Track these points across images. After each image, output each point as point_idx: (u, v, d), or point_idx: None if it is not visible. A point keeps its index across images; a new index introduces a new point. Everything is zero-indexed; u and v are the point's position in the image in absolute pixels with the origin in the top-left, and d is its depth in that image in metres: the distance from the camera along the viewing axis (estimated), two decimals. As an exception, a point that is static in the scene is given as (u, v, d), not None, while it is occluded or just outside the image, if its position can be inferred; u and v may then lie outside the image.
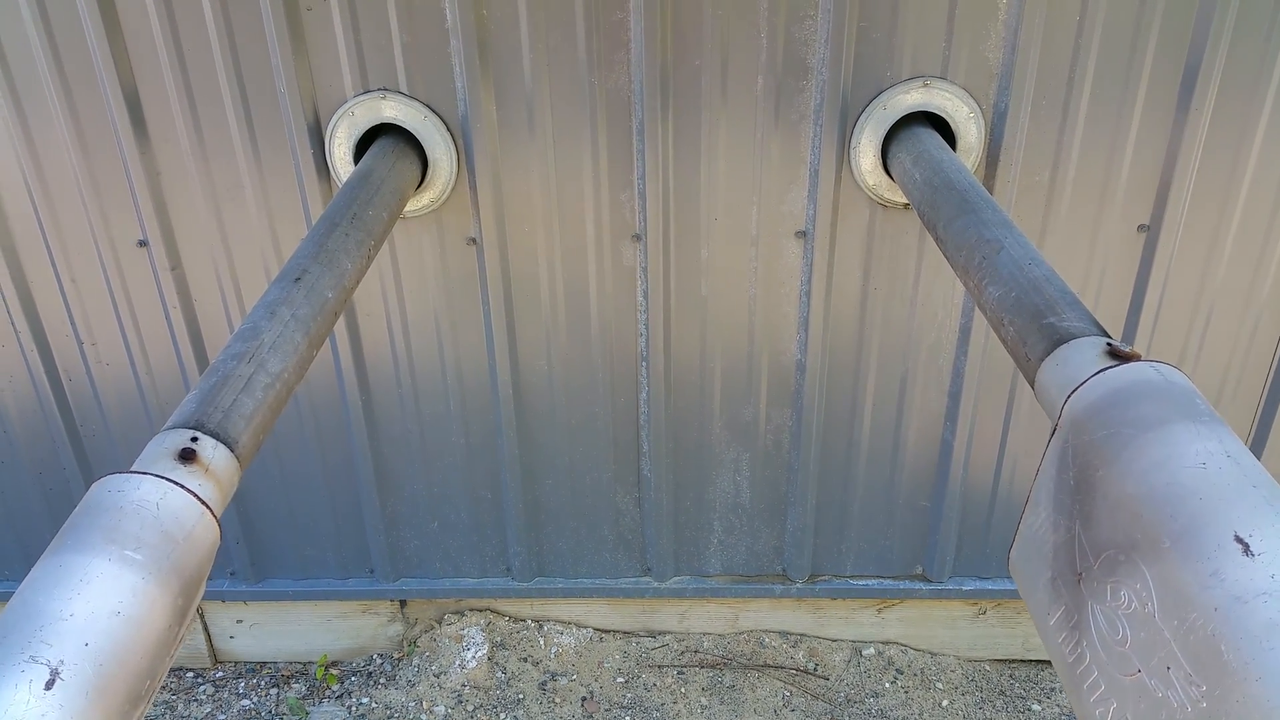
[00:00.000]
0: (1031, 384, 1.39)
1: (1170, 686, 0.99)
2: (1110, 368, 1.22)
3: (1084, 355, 1.28)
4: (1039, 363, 1.36)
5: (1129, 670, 1.06)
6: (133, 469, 1.22)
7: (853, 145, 2.13)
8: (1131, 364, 1.21)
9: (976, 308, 2.29)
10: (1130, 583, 1.07)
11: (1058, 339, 1.35)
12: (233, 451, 1.35)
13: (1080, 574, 1.17)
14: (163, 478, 1.20)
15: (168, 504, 1.18)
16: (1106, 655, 1.11)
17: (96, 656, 1.02)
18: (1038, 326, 1.40)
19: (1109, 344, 1.29)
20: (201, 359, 2.36)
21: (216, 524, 1.25)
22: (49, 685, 0.97)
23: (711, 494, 2.62)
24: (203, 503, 1.22)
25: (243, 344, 1.50)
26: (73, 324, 2.33)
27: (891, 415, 2.48)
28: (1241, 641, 0.90)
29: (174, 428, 1.32)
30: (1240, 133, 2.12)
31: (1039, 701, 2.75)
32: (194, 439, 1.31)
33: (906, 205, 2.21)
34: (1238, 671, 0.89)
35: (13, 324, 2.32)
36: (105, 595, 1.06)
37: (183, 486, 1.21)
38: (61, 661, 0.99)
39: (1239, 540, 0.96)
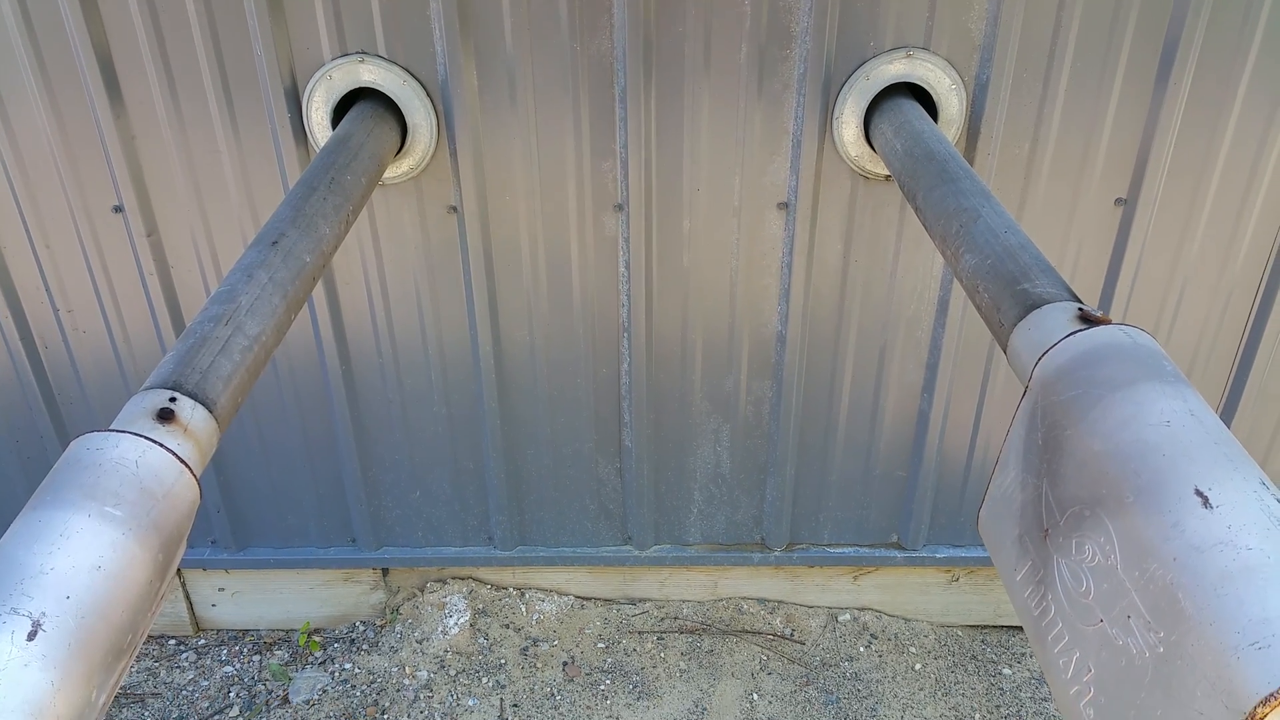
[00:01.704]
0: (1004, 349, 1.41)
1: (1130, 634, 1.01)
2: (1080, 331, 1.24)
3: (1055, 320, 1.30)
4: (1012, 328, 1.38)
5: (1092, 621, 1.09)
6: (111, 428, 1.23)
7: (835, 116, 2.14)
8: (1101, 327, 1.23)
9: (954, 279, 2.31)
10: (1095, 537, 1.09)
11: (1030, 304, 1.37)
12: (211, 412, 1.35)
13: (1047, 530, 1.20)
14: (141, 436, 1.21)
15: (147, 462, 1.19)
16: (1071, 607, 1.13)
17: (78, 609, 1.03)
18: (1011, 293, 1.42)
19: (1080, 309, 1.31)
20: (178, 325, 2.35)
21: (196, 483, 1.26)
22: (31, 636, 0.98)
23: (692, 464, 2.64)
24: (182, 461, 1.23)
25: (220, 306, 1.49)
26: (48, 290, 2.32)
27: (870, 386, 2.51)
28: (1198, 589, 0.93)
29: (152, 388, 1.32)
30: (1216, 110, 2.14)
31: (1010, 666, 2.80)
32: (172, 399, 1.31)
33: (888, 177, 2.22)
34: (1193, 617, 0.92)
35: (-11, 289, 2.31)
36: (85, 550, 1.07)
37: (162, 445, 1.22)
38: (43, 614, 1.00)
39: (1199, 494, 0.99)
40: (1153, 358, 1.17)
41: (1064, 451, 1.18)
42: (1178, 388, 1.12)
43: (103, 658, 1.06)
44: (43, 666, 0.97)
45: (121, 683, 1.14)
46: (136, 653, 1.16)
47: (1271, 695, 0.83)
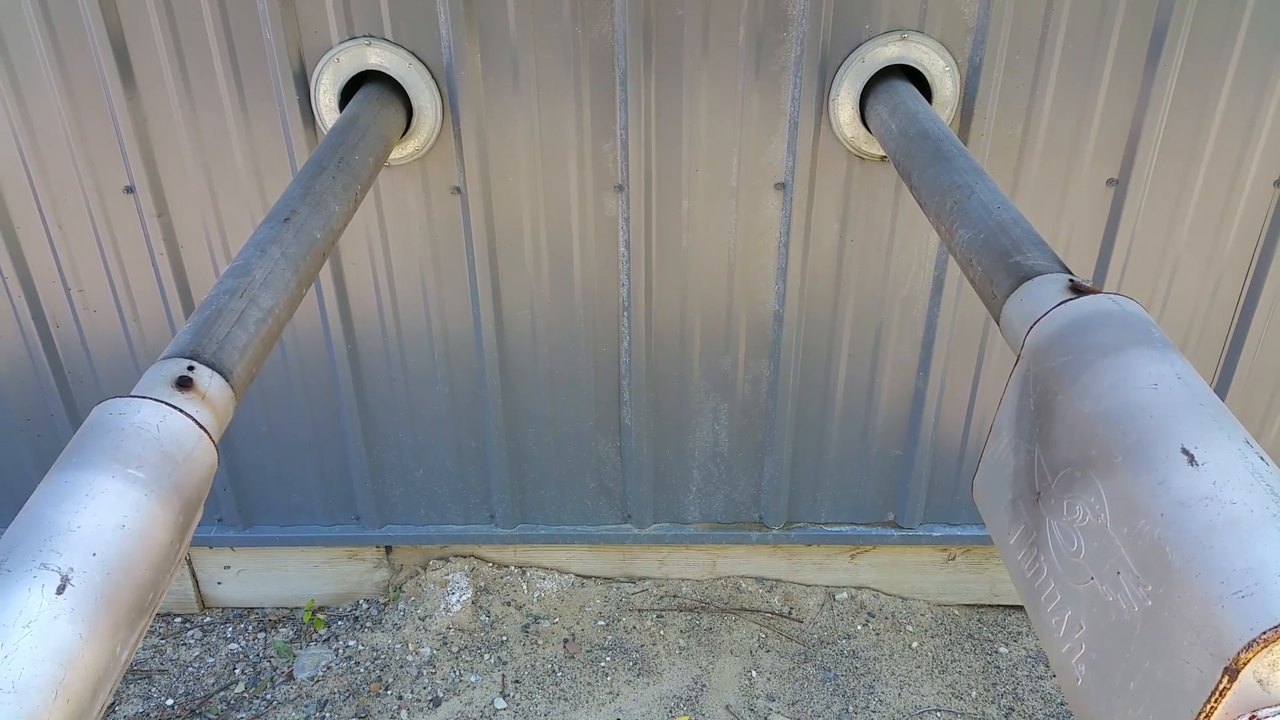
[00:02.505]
0: (997, 320, 1.45)
1: (1119, 590, 1.06)
2: (1070, 300, 1.28)
3: (1047, 290, 1.34)
4: (1004, 299, 1.42)
5: (1083, 579, 1.13)
6: (132, 394, 1.26)
7: (831, 97, 2.17)
8: (1091, 296, 1.27)
9: (949, 258, 2.35)
10: (1085, 497, 1.13)
11: (1023, 276, 1.41)
12: (228, 381, 1.39)
13: (1039, 493, 1.24)
14: (162, 402, 1.25)
15: (167, 426, 1.23)
16: (1062, 567, 1.18)
17: (104, 566, 1.07)
18: (1004, 265, 1.46)
19: (1071, 280, 1.35)
20: (188, 305, 2.38)
21: (214, 448, 1.30)
22: (60, 590, 1.02)
23: (691, 443, 2.68)
24: (200, 426, 1.27)
25: (235, 279, 1.53)
26: (60, 270, 2.35)
27: (866, 366, 2.55)
28: (1184, 542, 0.97)
29: (171, 357, 1.36)
30: (1206, 91, 2.18)
31: (1006, 645, 2.85)
32: (190, 368, 1.35)
33: (883, 158, 2.26)
34: (1180, 570, 0.96)
35: (-1, 270, 2.34)
36: (110, 509, 1.11)
37: (181, 411, 1.25)
38: (71, 569, 1.04)
39: (1185, 452, 1.03)
40: (1141, 324, 1.21)
41: (1055, 416, 1.22)
42: (1165, 353, 1.16)
43: (126, 613, 1.09)
44: (71, 619, 1.00)
45: (141, 642, 1.17)
46: (155, 612, 1.20)
47: (1255, 641, 0.87)
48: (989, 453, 1.40)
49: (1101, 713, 1.08)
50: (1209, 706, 0.91)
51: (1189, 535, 0.97)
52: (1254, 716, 0.91)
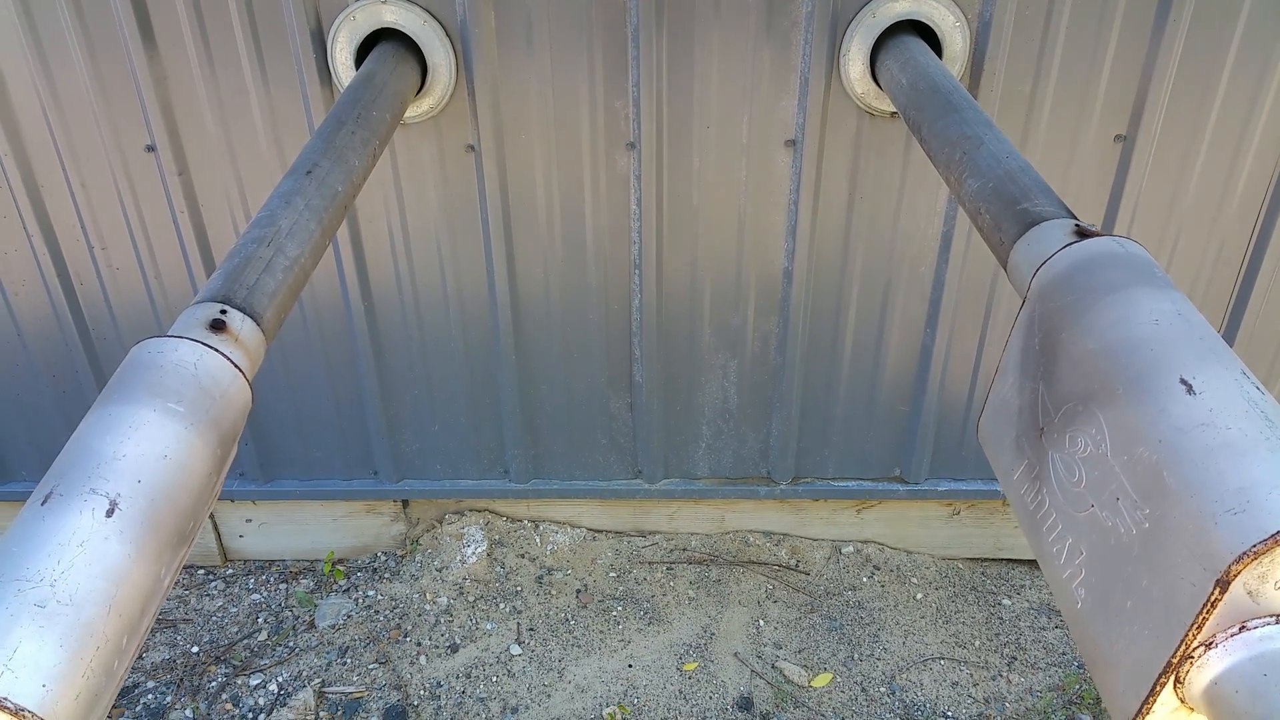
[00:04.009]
0: (1005, 265, 1.49)
1: (1118, 515, 1.10)
2: (1076, 242, 1.32)
3: (1053, 234, 1.38)
4: (1012, 244, 1.46)
5: (1083, 507, 1.18)
6: (169, 334, 1.32)
7: (842, 53, 2.20)
8: (1096, 238, 1.31)
9: (957, 213, 2.38)
10: (1087, 429, 1.18)
11: (1030, 222, 1.45)
12: (258, 325, 1.44)
13: (1042, 429, 1.29)
14: (198, 341, 1.30)
15: (204, 365, 1.28)
16: (1064, 497, 1.22)
17: (149, 492, 1.12)
18: (1012, 212, 1.50)
19: (1076, 224, 1.39)
20: (208, 262, 2.43)
21: (249, 386, 1.35)
22: (109, 513, 1.07)
23: (700, 399, 2.73)
24: (235, 366, 1.32)
25: (261, 229, 1.57)
26: (84, 228, 2.40)
27: (874, 322, 2.59)
28: (1181, 466, 1.01)
29: (203, 301, 1.41)
30: (1214, 48, 2.20)
31: (1009, 597, 2.91)
32: (223, 311, 1.40)
33: (893, 114, 2.29)
34: (1176, 492, 1.01)
35: (25, 228, 2.38)
36: (153, 440, 1.16)
37: (217, 350, 1.31)
38: (119, 494, 1.09)
39: (1184, 382, 1.07)
40: (1144, 265, 1.25)
41: (1059, 353, 1.26)
42: (1166, 291, 1.20)
43: (169, 538, 1.14)
44: (120, 540, 1.06)
45: (180, 571, 1.23)
46: (194, 542, 1.25)
47: (1245, 553, 0.91)
48: (994, 393, 1.45)
49: (1101, 633, 1.13)
50: (1201, 617, 0.96)
51: (1186, 459, 1.01)
52: (1244, 626, 0.96)
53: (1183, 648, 0.98)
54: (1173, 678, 1.01)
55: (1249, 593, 0.94)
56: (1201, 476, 0.99)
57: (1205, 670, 0.98)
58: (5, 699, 0.88)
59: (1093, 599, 1.16)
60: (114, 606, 1.03)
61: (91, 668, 0.98)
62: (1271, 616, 0.95)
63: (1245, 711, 0.94)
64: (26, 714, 0.89)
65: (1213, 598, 0.94)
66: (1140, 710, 1.04)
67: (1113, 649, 1.10)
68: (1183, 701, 1.03)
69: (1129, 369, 1.13)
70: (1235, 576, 0.92)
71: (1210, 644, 0.97)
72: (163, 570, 1.14)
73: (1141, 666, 1.04)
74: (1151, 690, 1.02)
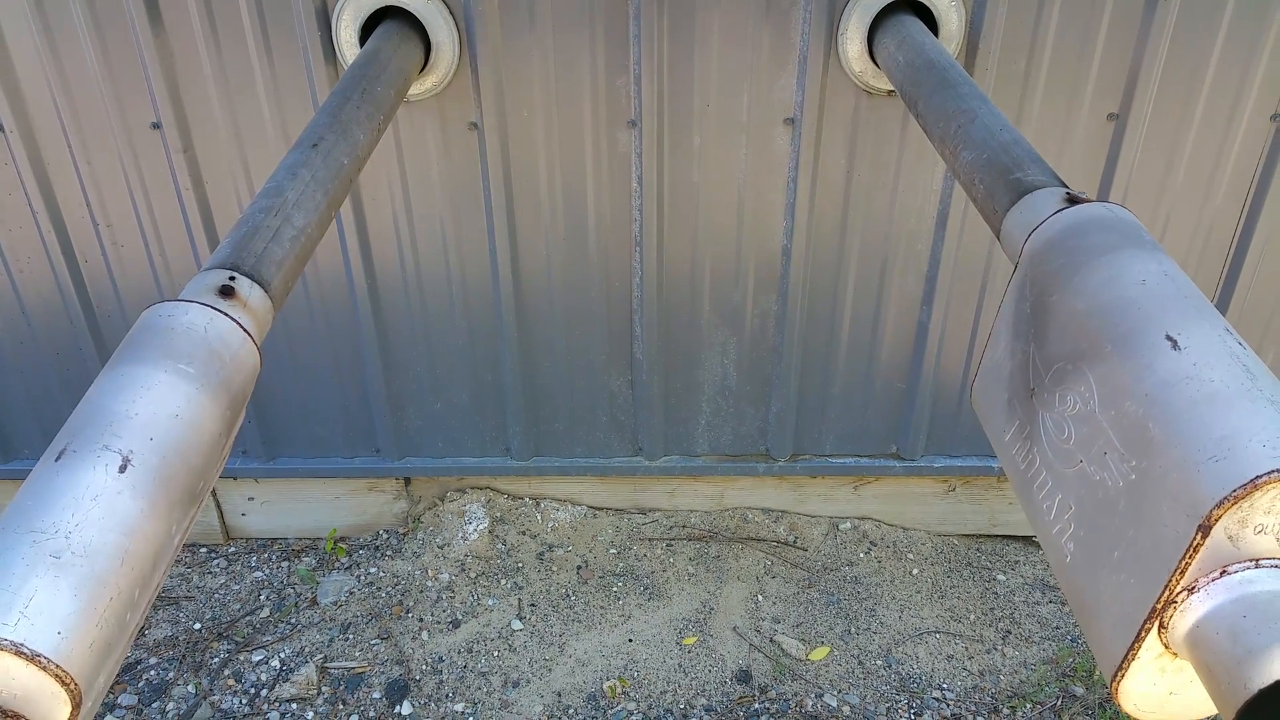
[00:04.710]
0: (998, 234, 1.52)
1: (1106, 469, 1.14)
2: (1066, 208, 1.35)
3: (1044, 201, 1.41)
4: (1005, 213, 1.49)
5: (1072, 464, 1.21)
6: (179, 298, 1.34)
7: (840, 32, 2.22)
8: (1085, 204, 1.34)
9: (952, 190, 2.41)
10: (1076, 387, 1.21)
11: (1022, 190, 1.48)
12: (266, 292, 1.47)
13: (1033, 389, 1.32)
14: (208, 305, 1.33)
15: (214, 328, 1.30)
16: (1054, 455, 1.26)
17: (161, 449, 1.14)
18: (1005, 182, 1.53)
19: (1068, 192, 1.42)
20: (213, 240, 2.46)
21: (257, 351, 1.38)
22: (122, 469, 1.09)
23: (700, 376, 2.76)
24: (245, 330, 1.35)
25: (269, 199, 1.60)
26: (89, 206, 2.42)
27: (872, 299, 2.62)
28: (1166, 417, 1.04)
29: (213, 268, 1.44)
30: (1204, 28, 2.22)
31: (1004, 572, 2.95)
32: (231, 278, 1.43)
33: (890, 93, 2.31)
34: (1161, 443, 1.04)
35: (30, 205, 2.40)
36: (165, 400, 1.18)
37: (227, 315, 1.33)
38: (131, 451, 1.11)
39: (1169, 338, 1.10)
40: (1132, 229, 1.28)
41: (1050, 315, 1.29)
42: (1153, 253, 1.23)
43: (181, 495, 1.17)
44: (133, 495, 1.08)
45: (191, 530, 1.26)
46: (203, 503, 1.28)
47: (1226, 498, 0.95)
48: (987, 358, 1.48)
49: (1089, 584, 1.17)
50: (1184, 563, 0.99)
51: (1171, 411, 1.04)
52: (1225, 571, 0.99)
53: (1166, 592, 1.01)
54: (1157, 623, 1.04)
55: (1229, 537, 0.97)
56: (1185, 428, 1.02)
57: (1188, 614, 1.01)
58: (22, 645, 0.90)
59: (1081, 552, 1.19)
60: (127, 559, 1.05)
61: (105, 618, 1.01)
62: (1251, 560, 0.98)
63: (1225, 651, 0.97)
64: (42, 659, 0.91)
65: (1195, 543, 0.97)
66: (1126, 656, 1.07)
67: (1100, 599, 1.13)
68: (1166, 647, 1.06)
69: (1117, 327, 1.16)
70: (1216, 521, 0.95)
71: (1193, 588, 1.00)
72: (173, 527, 1.16)
73: (1127, 613, 1.07)
74: (1137, 636, 1.05)
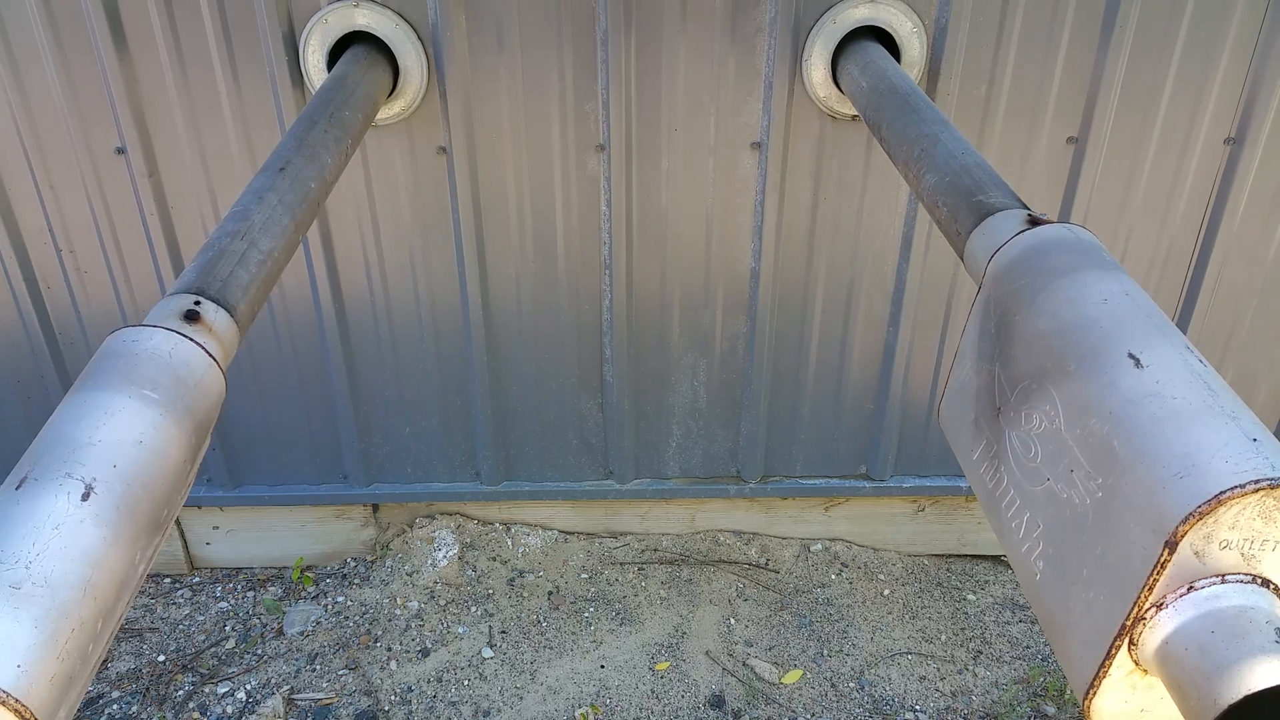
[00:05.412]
0: (961, 255, 1.54)
1: (1073, 486, 1.15)
2: (1028, 229, 1.37)
3: (1006, 223, 1.44)
4: (968, 234, 1.51)
5: (1039, 481, 1.22)
6: (144, 323, 1.33)
7: (805, 58, 2.25)
8: (1047, 225, 1.37)
9: (916, 213, 2.44)
10: (1041, 405, 1.22)
11: (985, 212, 1.50)
12: (232, 316, 1.45)
13: (999, 409, 1.33)
14: (173, 330, 1.31)
15: (179, 353, 1.29)
16: (1021, 473, 1.27)
17: (124, 477, 1.12)
18: (968, 204, 1.55)
19: (1029, 214, 1.45)
20: (178, 265, 2.43)
21: (223, 376, 1.36)
22: (84, 497, 1.07)
23: (670, 399, 2.77)
24: (210, 355, 1.33)
25: (235, 224, 1.59)
26: (51, 232, 2.39)
27: (839, 321, 2.64)
28: (1131, 435, 1.06)
29: (178, 293, 1.42)
30: (1159, 53, 2.28)
31: (974, 592, 2.96)
32: (197, 302, 1.41)
33: (854, 118, 2.35)
34: (1126, 460, 1.05)
35: (-11, 231, 2.37)
36: (128, 426, 1.16)
37: (192, 340, 1.32)
38: (94, 479, 1.09)
39: (1132, 356, 1.12)
40: (1093, 249, 1.30)
41: (1014, 335, 1.31)
42: (1114, 273, 1.25)
43: (145, 524, 1.15)
44: (96, 524, 1.06)
45: (154, 562, 1.23)
46: (167, 533, 1.26)
47: (1191, 514, 0.96)
48: (954, 378, 1.50)
49: (1059, 601, 1.18)
50: (1152, 579, 1.00)
51: (1135, 429, 1.06)
52: (1192, 586, 1.00)
53: (1135, 609, 1.02)
54: (1127, 640, 1.05)
55: (1195, 553, 0.99)
56: (1150, 445, 1.03)
57: (1157, 630, 1.02)
58: (-19, 679, 0.88)
59: (1050, 570, 1.20)
60: (89, 590, 1.03)
61: (67, 650, 0.98)
62: (1217, 575, 0.99)
63: (1195, 667, 0.98)
64: (1, 693, 0.89)
65: (1162, 559, 0.98)
66: (1097, 674, 1.08)
67: (1070, 617, 1.14)
68: (1137, 664, 1.06)
69: (1080, 346, 1.18)
70: (1182, 537, 0.97)
71: (1161, 605, 1.01)
72: (137, 556, 1.14)
73: (1097, 631, 1.08)
74: (1108, 653, 1.06)
